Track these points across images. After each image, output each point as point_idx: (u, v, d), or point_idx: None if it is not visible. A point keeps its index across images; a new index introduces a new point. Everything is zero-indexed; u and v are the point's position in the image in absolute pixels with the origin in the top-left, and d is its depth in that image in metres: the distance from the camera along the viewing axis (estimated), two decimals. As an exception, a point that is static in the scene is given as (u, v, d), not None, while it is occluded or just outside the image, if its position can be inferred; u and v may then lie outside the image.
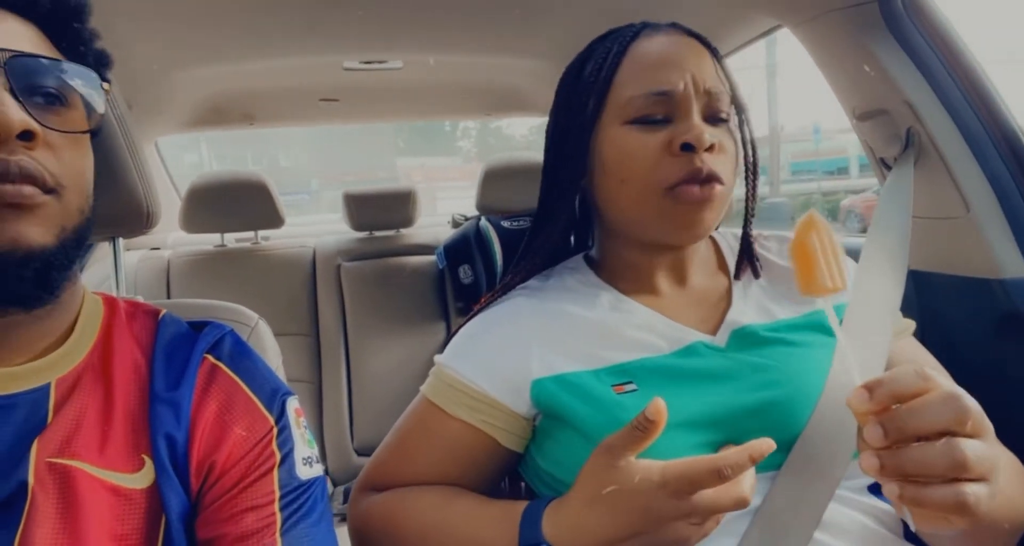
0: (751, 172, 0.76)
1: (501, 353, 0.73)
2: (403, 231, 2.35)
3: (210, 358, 0.63)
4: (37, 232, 0.50)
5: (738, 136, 0.74)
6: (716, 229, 0.86)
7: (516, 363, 0.72)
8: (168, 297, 2.08)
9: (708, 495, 0.56)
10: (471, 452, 0.73)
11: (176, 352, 0.62)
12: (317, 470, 0.63)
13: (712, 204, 0.69)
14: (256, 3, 1.29)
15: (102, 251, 2.16)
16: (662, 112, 0.70)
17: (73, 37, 0.58)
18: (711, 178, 0.68)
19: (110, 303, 0.65)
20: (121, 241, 0.96)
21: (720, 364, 0.70)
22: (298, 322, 2.14)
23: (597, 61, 0.75)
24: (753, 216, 0.81)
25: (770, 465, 0.65)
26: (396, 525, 0.72)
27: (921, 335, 0.80)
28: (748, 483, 0.57)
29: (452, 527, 0.68)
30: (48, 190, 0.51)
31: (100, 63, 0.60)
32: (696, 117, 0.69)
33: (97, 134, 0.59)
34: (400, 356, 2.09)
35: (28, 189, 0.49)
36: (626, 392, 0.68)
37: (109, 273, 1.00)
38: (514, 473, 0.82)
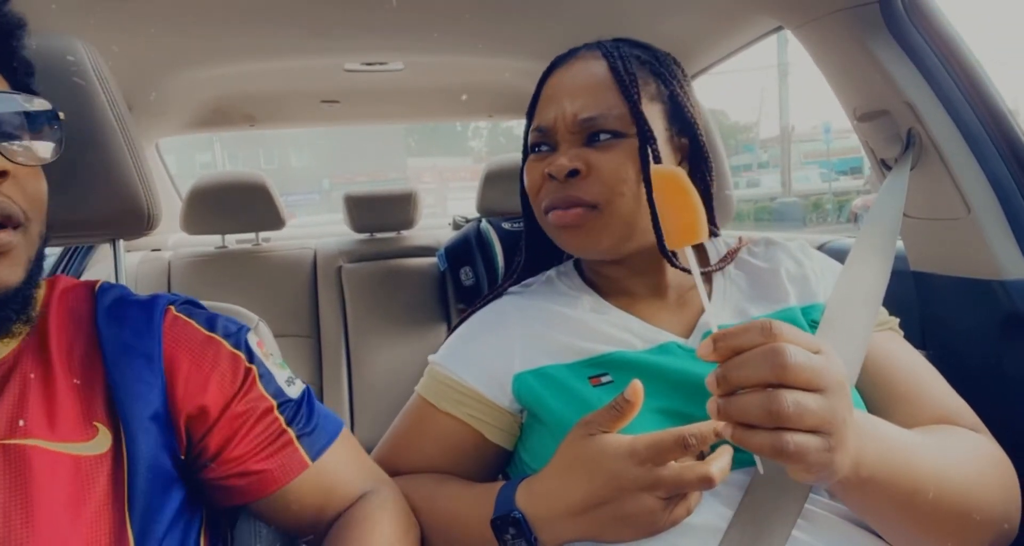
0: (649, 192, 0.75)
1: (487, 350, 0.78)
2: (404, 233, 2.35)
3: (173, 309, 0.67)
4: (12, 273, 0.54)
5: (644, 149, 0.74)
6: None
7: (500, 359, 0.77)
8: (169, 299, 2.08)
9: (673, 467, 0.58)
10: (460, 446, 0.77)
11: (128, 311, 0.64)
12: (300, 384, 0.70)
13: (583, 226, 0.75)
14: (257, 5, 1.30)
15: (103, 252, 2.17)
16: (546, 143, 0.79)
17: (8, 54, 0.60)
18: (572, 202, 0.75)
19: (51, 284, 0.67)
20: (122, 243, 0.96)
21: (692, 364, 0.72)
22: (299, 324, 2.14)
23: (532, 97, 0.85)
24: (712, 222, 0.86)
25: (749, 460, 0.66)
26: None
27: (922, 336, 0.80)
28: (718, 465, 0.59)
29: (438, 505, 0.72)
30: (16, 226, 0.54)
31: (27, 73, 0.62)
32: (565, 147, 0.77)
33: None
34: (401, 358, 2.09)
35: (4, 236, 0.53)
36: (602, 384, 0.72)
37: (110, 274, 1.00)
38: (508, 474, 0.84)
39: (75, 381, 0.60)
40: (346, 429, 0.72)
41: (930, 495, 0.59)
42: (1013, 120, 0.99)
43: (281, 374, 0.69)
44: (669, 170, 0.57)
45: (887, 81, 1.01)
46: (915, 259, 1.13)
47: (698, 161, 0.80)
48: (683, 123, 0.79)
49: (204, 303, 0.89)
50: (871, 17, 1.01)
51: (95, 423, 0.58)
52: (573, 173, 0.74)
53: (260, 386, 0.66)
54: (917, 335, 0.80)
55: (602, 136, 0.75)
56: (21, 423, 0.56)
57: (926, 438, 0.65)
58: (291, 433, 0.65)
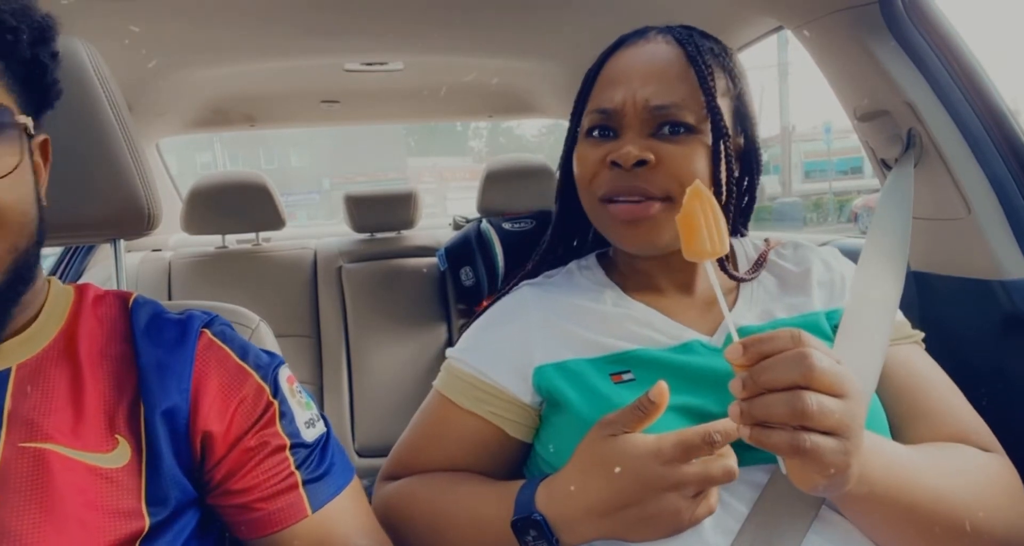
0: (725, 183, 0.73)
1: (506, 343, 0.77)
2: (404, 233, 2.35)
3: (207, 333, 0.66)
4: None
5: (717, 146, 0.73)
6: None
7: (520, 351, 0.75)
8: (169, 298, 2.08)
9: (697, 464, 0.58)
10: (482, 443, 0.76)
11: (165, 329, 0.64)
12: (320, 427, 0.68)
13: (648, 221, 0.72)
14: (257, 5, 1.30)
15: (103, 253, 2.17)
16: (608, 126, 0.75)
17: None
18: (640, 194, 0.72)
19: (80, 291, 0.66)
20: (122, 243, 0.96)
21: (716, 363, 0.71)
22: (299, 324, 2.14)
23: (585, 75, 0.80)
24: (744, 224, 0.87)
25: (766, 458, 0.66)
26: (410, 507, 0.75)
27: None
28: (736, 456, 0.59)
29: (458, 506, 0.71)
30: None
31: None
32: (632, 134, 0.73)
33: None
34: (401, 358, 2.09)
35: None
36: (624, 382, 0.71)
37: (111, 274, 1.00)
38: None
39: (103, 391, 0.59)
40: (356, 481, 0.69)
41: (927, 512, 0.60)
42: (1013, 120, 0.99)
43: (303, 414, 0.67)
44: (699, 188, 0.60)
45: (887, 81, 1.01)
46: (915, 259, 1.13)
47: (750, 162, 0.79)
48: (744, 122, 0.78)
49: (204, 303, 0.89)
50: (871, 17, 1.01)
51: (116, 435, 0.58)
52: (641, 163, 0.71)
53: (278, 423, 0.64)
54: (917, 336, 0.80)
55: (673, 127, 0.72)
56: (43, 427, 0.55)
57: (928, 456, 0.66)
58: (298, 477, 0.64)
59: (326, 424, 0.70)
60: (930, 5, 1.00)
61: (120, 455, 0.57)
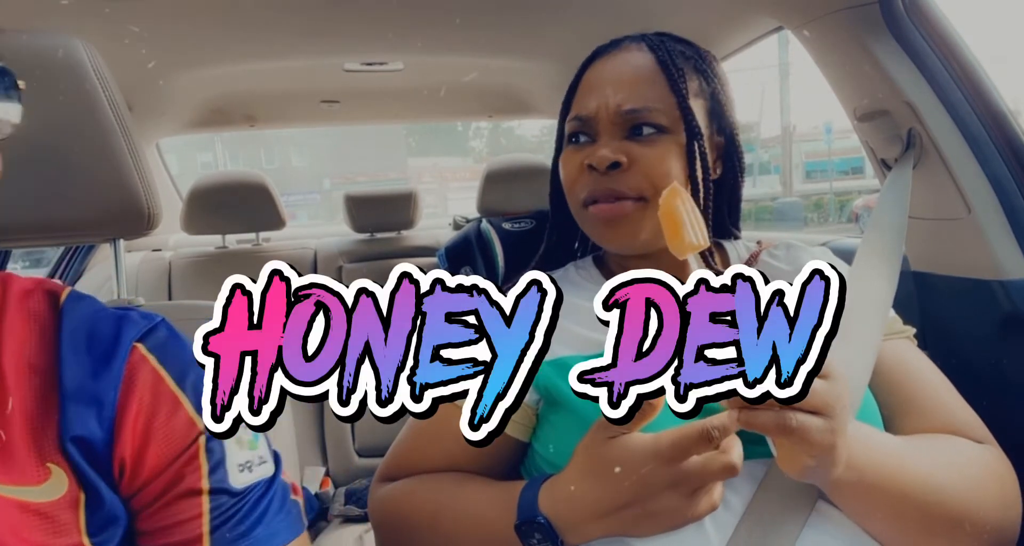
0: (702, 181, 0.75)
1: None
2: (404, 233, 2.35)
3: (140, 348, 0.55)
4: None
5: (691, 145, 0.75)
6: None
7: None
8: (169, 298, 2.08)
9: (697, 461, 0.58)
10: None
11: (95, 338, 0.54)
12: (259, 472, 0.57)
13: (624, 220, 0.75)
14: (256, 4, 1.30)
15: (103, 253, 2.17)
16: (586, 132, 0.79)
17: None
18: (614, 195, 0.75)
19: (3, 283, 0.56)
20: (122, 242, 0.96)
21: None
22: (299, 323, 2.13)
23: (569, 85, 0.84)
24: (735, 225, 0.88)
25: (765, 453, 0.66)
26: (409, 507, 0.75)
27: (922, 336, 0.80)
28: (736, 452, 0.59)
29: (459, 508, 0.71)
30: None
31: None
32: (606, 138, 0.76)
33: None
34: (401, 358, 2.09)
35: None
36: None
37: (111, 275, 1.00)
38: None
39: (29, 410, 0.50)
40: (301, 542, 0.58)
41: (919, 502, 0.61)
42: (1013, 120, 0.99)
43: (239, 454, 0.56)
44: (676, 187, 0.62)
45: (887, 81, 1.01)
46: (915, 259, 1.13)
47: (732, 161, 0.81)
48: (721, 121, 0.80)
49: (204, 304, 0.89)
50: (871, 17, 1.01)
51: (48, 464, 0.49)
52: (615, 165, 0.74)
53: (202, 459, 0.54)
54: (917, 335, 0.80)
55: (645, 129, 0.75)
56: None
57: (919, 447, 0.66)
58: (204, 529, 0.52)
59: (276, 465, 0.59)
60: (930, 5, 1.00)
61: (54, 486, 0.49)
